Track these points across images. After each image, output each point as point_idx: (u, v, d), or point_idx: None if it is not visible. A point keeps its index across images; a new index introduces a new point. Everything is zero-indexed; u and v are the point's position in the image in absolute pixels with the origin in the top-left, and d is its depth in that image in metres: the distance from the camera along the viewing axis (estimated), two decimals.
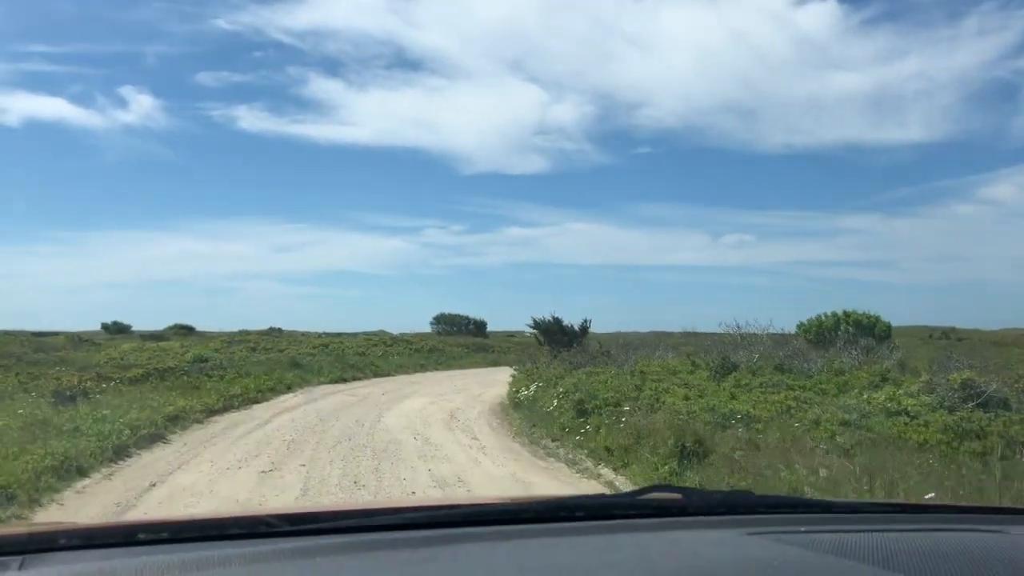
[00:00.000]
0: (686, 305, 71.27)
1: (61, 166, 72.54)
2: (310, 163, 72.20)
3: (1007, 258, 68.92)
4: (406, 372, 28.62)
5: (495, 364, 35.64)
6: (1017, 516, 1.92)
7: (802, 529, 1.63)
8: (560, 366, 17.51)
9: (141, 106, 67.26)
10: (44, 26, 65.63)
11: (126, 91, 69.93)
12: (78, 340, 43.73)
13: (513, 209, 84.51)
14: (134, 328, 53.65)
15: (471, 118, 72.84)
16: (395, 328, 46.57)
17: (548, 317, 19.41)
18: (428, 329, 53.06)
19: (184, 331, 51.79)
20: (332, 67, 74.80)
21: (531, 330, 20.05)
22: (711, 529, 1.65)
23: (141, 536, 1.43)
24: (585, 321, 19.14)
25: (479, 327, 57.30)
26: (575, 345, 18.93)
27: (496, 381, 24.50)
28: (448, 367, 32.14)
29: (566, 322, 19.24)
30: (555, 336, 18.99)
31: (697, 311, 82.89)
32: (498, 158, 77.97)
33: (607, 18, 67.59)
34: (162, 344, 34.87)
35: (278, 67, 70.37)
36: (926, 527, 1.73)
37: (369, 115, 72.88)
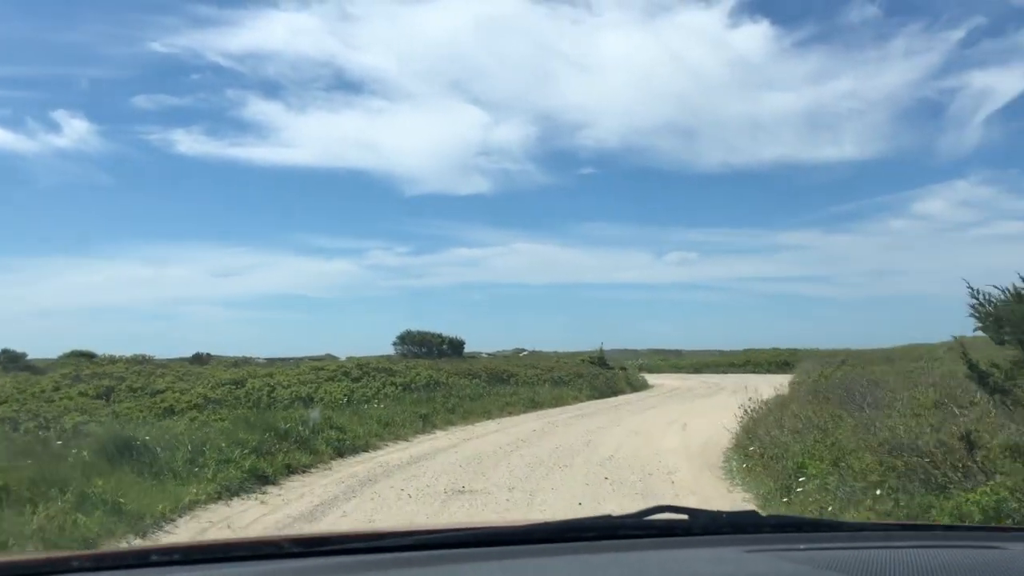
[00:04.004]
0: (633, 322, 72.63)
1: None
2: (251, 186, 71.49)
3: (940, 271, 70.33)
4: (399, 437, 13.92)
5: (534, 405, 21.17)
6: (1016, 534, 1.97)
7: (802, 547, 1.63)
8: None
9: (75, 130, 65.28)
10: None
11: (59, 115, 66.47)
12: None
13: (459, 230, 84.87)
14: (30, 356, 40.96)
15: (414, 139, 73.00)
16: (343, 351, 39.51)
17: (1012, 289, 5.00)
18: (389, 351, 42.16)
19: (83, 358, 37.31)
20: (271, 89, 74.53)
21: (977, 327, 5.44)
22: (712, 548, 1.65)
23: (154, 558, 1.44)
24: None
25: (455, 347, 44.53)
26: None
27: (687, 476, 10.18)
28: (467, 416, 17.47)
29: None
30: None
31: (644, 328, 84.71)
32: (442, 179, 78.52)
33: (547, 41, 68.30)
34: None
35: (216, 90, 68.06)
36: (926, 544, 1.71)
37: (309, 137, 72.71)
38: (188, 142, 71.35)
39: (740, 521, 1.78)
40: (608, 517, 1.72)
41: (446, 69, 74.37)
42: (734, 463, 10.94)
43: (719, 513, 1.79)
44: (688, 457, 11.81)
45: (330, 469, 10.73)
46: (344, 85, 74.67)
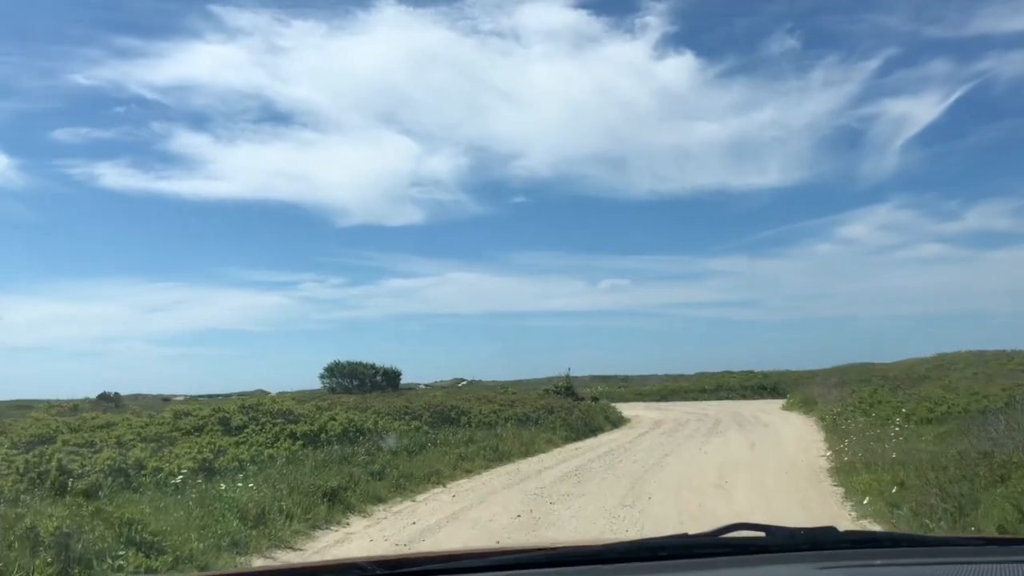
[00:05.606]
0: (571, 350, 68.88)
1: None
2: (179, 219, 69.49)
3: (865, 293, 72.98)
4: (279, 544, 7.62)
5: (499, 457, 15.10)
6: None
7: (877, 562, 1.60)
8: None
9: None
10: None
11: None
12: None
13: (392, 260, 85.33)
14: None
15: (345, 171, 71.35)
16: (276, 387, 36.67)
17: None
18: (318, 385, 37.46)
19: None
20: (198, 121, 73.76)
21: None
22: (788, 565, 1.64)
23: None
24: None
25: (390, 378, 38.79)
26: None
27: None
28: (404, 484, 11.26)
29: None
30: None
31: (582, 355, 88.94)
32: (374, 210, 76.78)
33: (478, 72, 69.44)
34: None
35: (141, 122, 66.64)
36: (1011, 559, 1.58)
37: (239, 169, 70.83)
38: (113, 175, 69.77)
39: (818, 537, 1.73)
40: (684, 536, 1.71)
41: (377, 101, 73.85)
42: None
43: (796, 530, 1.75)
44: None
45: None
46: (273, 117, 74.16)
